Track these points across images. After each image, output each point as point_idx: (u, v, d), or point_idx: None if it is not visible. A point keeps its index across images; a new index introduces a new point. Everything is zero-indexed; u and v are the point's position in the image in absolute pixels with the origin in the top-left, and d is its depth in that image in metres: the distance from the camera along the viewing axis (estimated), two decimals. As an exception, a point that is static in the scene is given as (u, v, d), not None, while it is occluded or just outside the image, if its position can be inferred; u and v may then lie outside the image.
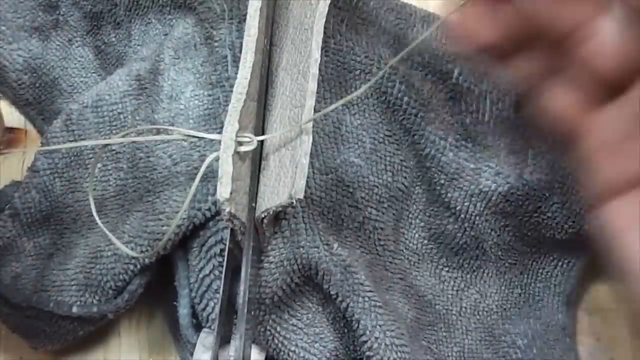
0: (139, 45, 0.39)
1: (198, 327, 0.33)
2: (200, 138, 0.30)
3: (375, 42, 0.37)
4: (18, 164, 0.39)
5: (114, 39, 0.39)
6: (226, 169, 0.27)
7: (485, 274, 0.37)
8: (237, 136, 0.28)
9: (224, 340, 0.32)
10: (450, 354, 0.36)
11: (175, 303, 0.34)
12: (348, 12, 0.37)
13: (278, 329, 0.34)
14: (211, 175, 0.34)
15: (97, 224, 0.34)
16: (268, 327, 0.33)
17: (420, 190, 0.37)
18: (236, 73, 0.35)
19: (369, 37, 0.37)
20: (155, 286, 0.35)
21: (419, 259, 0.37)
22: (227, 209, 0.27)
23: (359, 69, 0.36)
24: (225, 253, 0.31)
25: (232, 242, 0.31)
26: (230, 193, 0.27)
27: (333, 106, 0.28)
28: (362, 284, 0.33)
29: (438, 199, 0.36)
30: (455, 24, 0.26)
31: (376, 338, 0.33)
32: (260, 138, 0.31)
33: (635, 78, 0.24)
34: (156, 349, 0.37)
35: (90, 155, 0.35)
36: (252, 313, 0.32)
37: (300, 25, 0.33)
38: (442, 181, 0.36)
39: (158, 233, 0.33)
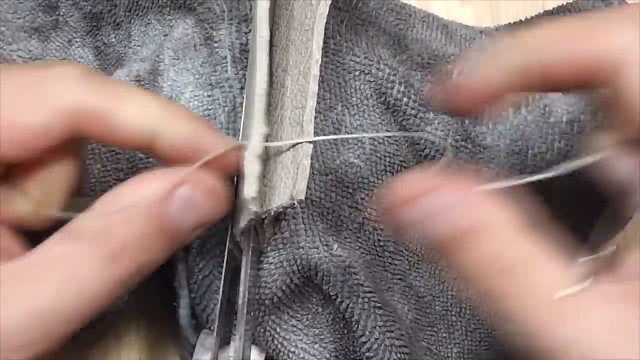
0: (138, 45, 0.39)
1: (198, 328, 0.33)
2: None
3: (375, 43, 0.37)
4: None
5: (113, 40, 0.39)
6: (252, 169, 0.28)
7: (484, 275, 0.37)
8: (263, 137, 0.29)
9: (223, 341, 0.32)
10: (450, 354, 0.36)
11: (174, 304, 0.34)
12: (348, 12, 0.37)
13: (278, 329, 0.34)
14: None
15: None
16: (268, 328, 0.33)
17: (420, 191, 0.37)
18: (236, 74, 0.35)
19: (369, 37, 0.37)
20: (154, 287, 0.35)
21: (418, 260, 0.37)
22: (253, 208, 0.28)
23: (358, 70, 0.36)
24: (225, 254, 0.31)
25: (231, 243, 0.31)
26: (257, 192, 0.28)
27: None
28: (361, 284, 0.33)
29: (438, 200, 0.36)
30: None
31: (376, 339, 0.33)
32: (272, 144, 0.31)
33: None
34: (156, 349, 0.37)
35: (90, 156, 0.35)
36: (252, 314, 0.32)
37: (301, 26, 0.33)
38: (442, 182, 0.36)
39: (158, 234, 0.33)
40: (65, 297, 0.25)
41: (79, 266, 0.26)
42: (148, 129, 0.27)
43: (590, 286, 0.22)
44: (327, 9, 0.31)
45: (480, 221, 0.24)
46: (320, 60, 0.30)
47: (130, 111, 0.27)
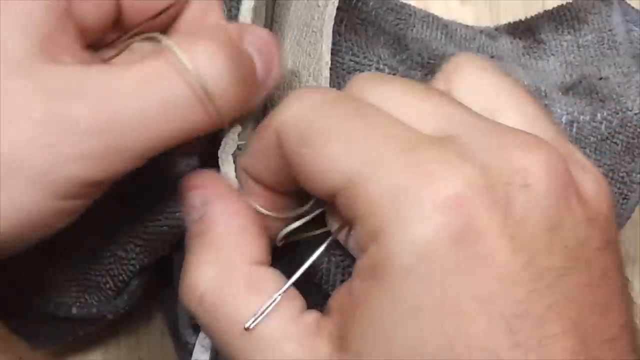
0: (138, 45, 0.39)
1: (197, 327, 0.33)
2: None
3: (375, 42, 0.37)
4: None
5: (113, 40, 0.39)
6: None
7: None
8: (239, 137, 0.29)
9: (223, 340, 0.32)
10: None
11: (174, 303, 0.34)
12: (347, 12, 0.37)
13: (277, 328, 0.33)
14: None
15: (95, 223, 0.35)
16: (267, 327, 0.33)
17: (420, 190, 0.37)
18: (235, 73, 0.35)
19: (368, 37, 0.37)
20: (154, 286, 0.35)
21: (418, 259, 0.37)
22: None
23: (357, 69, 0.36)
24: (224, 252, 0.31)
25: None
26: None
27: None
28: (361, 284, 0.33)
29: (437, 199, 0.36)
30: None
31: (375, 338, 0.32)
32: None
33: None
34: (155, 349, 0.37)
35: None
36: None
37: (307, 27, 0.33)
38: (442, 181, 0.36)
39: (157, 233, 0.33)
40: None
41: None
42: None
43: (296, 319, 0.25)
44: (335, 11, 0.32)
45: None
46: (330, 63, 0.31)
47: None
